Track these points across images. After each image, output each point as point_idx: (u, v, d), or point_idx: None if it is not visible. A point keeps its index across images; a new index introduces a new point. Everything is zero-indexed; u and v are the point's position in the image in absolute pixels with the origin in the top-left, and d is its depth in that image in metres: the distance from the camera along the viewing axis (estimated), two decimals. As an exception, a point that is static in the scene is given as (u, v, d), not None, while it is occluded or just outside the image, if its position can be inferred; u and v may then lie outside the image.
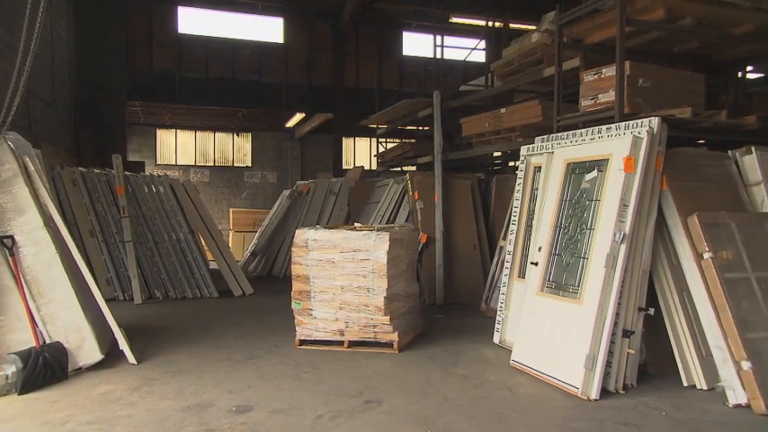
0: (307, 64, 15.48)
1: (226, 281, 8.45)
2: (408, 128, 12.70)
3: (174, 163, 19.11)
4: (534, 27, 7.53)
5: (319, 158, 19.39)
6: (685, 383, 4.36)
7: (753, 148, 4.76)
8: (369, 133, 15.79)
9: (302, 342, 5.46)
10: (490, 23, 10.93)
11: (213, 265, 8.71)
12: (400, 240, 5.62)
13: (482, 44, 11.53)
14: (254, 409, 3.86)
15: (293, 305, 5.48)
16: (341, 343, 5.38)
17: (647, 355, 4.64)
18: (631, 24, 5.10)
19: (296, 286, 5.48)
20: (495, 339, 5.69)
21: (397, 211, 9.22)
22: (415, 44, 16.24)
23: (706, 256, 4.16)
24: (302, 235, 5.49)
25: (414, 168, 11.37)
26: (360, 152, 20.38)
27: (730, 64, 6.31)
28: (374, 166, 13.63)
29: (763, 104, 6.68)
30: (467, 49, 11.24)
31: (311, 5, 14.95)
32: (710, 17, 5.20)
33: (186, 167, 19.16)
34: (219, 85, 14.69)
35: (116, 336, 4.87)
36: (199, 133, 19.56)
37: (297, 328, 5.49)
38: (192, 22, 14.64)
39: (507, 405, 4.03)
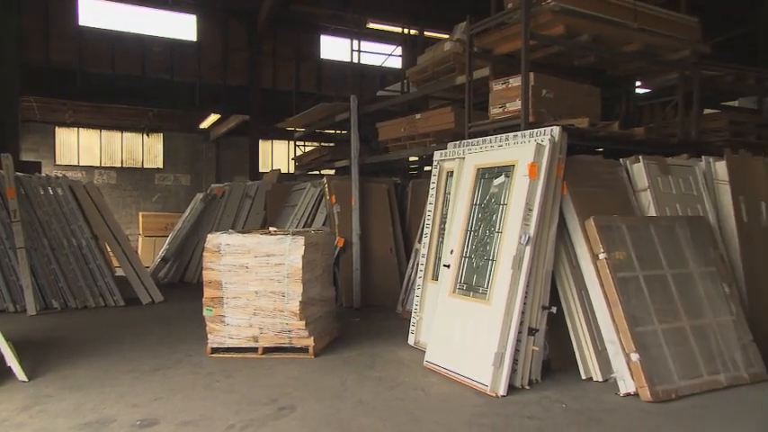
0: (221, 63, 15.09)
1: (133, 288, 8.07)
2: (326, 131, 12.69)
3: (76, 164, 17.95)
4: (448, 36, 7.79)
5: (236, 161, 18.94)
6: (584, 376, 4.65)
7: (641, 157, 5.18)
8: (287, 136, 15.60)
9: (214, 350, 5.32)
10: (406, 31, 11.16)
11: (120, 273, 8.29)
12: (316, 244, 5.62)
13: (398, 50, 11.74)
14: (160, 422, 3.72)
15: (205, 312, 5.33)
16: (255, 350, 5.29)
17: (550, 352, 4.89)
18: (535, 38, 5.39)
19: (208, 292, 5.34)
20: (410, 341, 5.81)
21: (314, 215, 9.19)
22: (334, 48, 16.25)
23: (601, 256, 4.47)
24: (214, 240, 5.36)
25: (332, 172, 11.38)
26: (278, 155, 20.09)
27: (622, 79, 6.82)
28: (292, 170, 13.48)
29: (650, 117, 7.27)
30: (384, 55, 11.41)
31: (225, 3, 14.58)
32: (604, 35, 5.60)
33: (90, 169, 18.06)
34: (127, 83, 13.99)
35: (1, 350, 4.52)
36: (104, 132, 18.51)
37: (209, 336, 5.34)
38: (95, 14, 13.85)
39: (420, 405, 4.13)
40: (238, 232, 5.61)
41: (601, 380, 4.59)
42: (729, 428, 3.71)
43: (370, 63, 12.17)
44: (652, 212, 5.04)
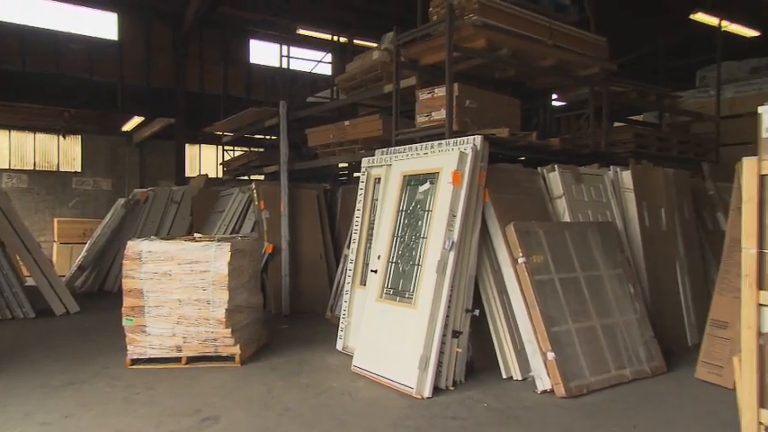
0: (145, 64, 14.48)
1: (46, 299, 7.58)
2: (256, 136, 12.47)
3: (-21, 166, 16.66)
4: (376, 45, 7.87)
5: (161, 165, 18.17)
6: (504, 376, 4.82)
7: (556, 166, 5.44)
8: (216, 141, 15.18)
9: (135, 361, 5.10)
10: (336, 38, 11.17)
11: (32, 282, 7.78)
12: (243, 251, 5.51)
13: (328, 57, 11.73)
14: (73, 439, 3.53)
15: (125, 322, 5.10)
16: (179, 359, 5.11)
17: (473, 353, 5.02)
18: (458, 50, 5.55)
19: (128, 302, 5.11)
20: (339, 346, 5.80)
21: (242, 221, 9.00)
22: (264, 52, 16.00)
23: (520, 260, 4.65)
24: (135, 247, 5.14)
25: (261, 177, 11.19)
26: (206, 160, 19.48)
27: (540, 92, 7.15)
28: (221, 175, 13.11)
29: (566, 129, 7.65)
30: (314, 62, 11.38)
31: (149, 2, 14.02)
32: (522, 50, 5.86)
33: (-4, 171, 16.82)
34: (41, 81, 13.12)
35: None
36: (14, 133, 17.24)
37: (128, 347, 5.11)
38: (4, 7, 12.94)
39: (347, 410, 4.13)
40: (161, 239, 5.42)
41: (520, 378, 4.76)
42: (632, 418, 3.94)
43: (301, 69, 12.09)
44: (567, 218, 5.30)
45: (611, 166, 5.96)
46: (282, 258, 7.79)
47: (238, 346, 5.16)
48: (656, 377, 4.85)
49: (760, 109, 3.61)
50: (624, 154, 6.66)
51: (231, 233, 8.72)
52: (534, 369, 4.57)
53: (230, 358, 5.18)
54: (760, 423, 3.57)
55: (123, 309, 5.10)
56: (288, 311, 7.71)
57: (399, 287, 4.89)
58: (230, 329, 5.09)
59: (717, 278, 4.97)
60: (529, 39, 5.84)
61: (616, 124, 8.55)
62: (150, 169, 18.63)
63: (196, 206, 10.35)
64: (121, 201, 10.85)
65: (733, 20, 10.07)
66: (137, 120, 16.18)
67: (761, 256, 3.57)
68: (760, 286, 3.56)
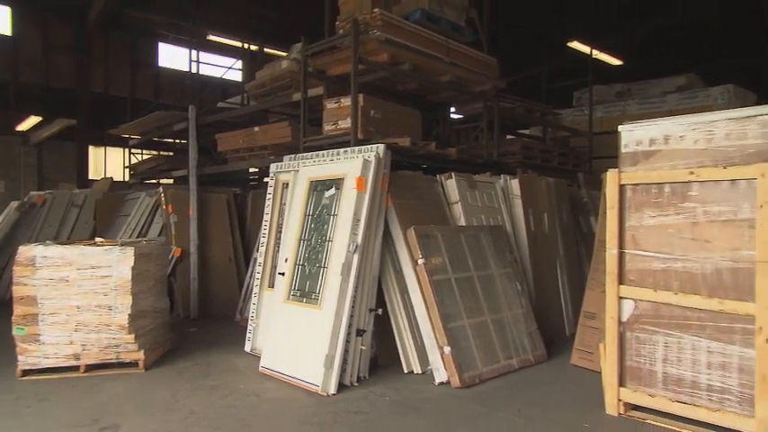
0: (42, 62, 13.34)
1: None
2: (165, 140, 11.87)
3: None
4: (287, 53, 7.77)
5: (61, 168, 16.79)
6: (406, 370, 4.90)
7: (453, 174, 5.64)
8: (123, 143, 14.27)
9: (26, 372, 4.65)
10: (246, 46, 10.89)
11: None
12: (148, 255, 5.22)
13: (239, 64, 11.42)
14: (-47, 458, 3.17)
15: (15, 331, 4.65)
16: (77, 368, 4.73)
17: (377, 349, 5.07)
18: (363, 63, 5.61)
19: (19, 310, 4.66)
20: (247, 348, 5.64)
21: (149, 225, 8.52)
22: (173, 56, 15.28)
23: (420, 262, 4.76)
24: (27, 252, 4.71)
25: (171, 181, 10.65)
26: (112, 163, 18.25)
27: (440, 105, 7.38)
28: (127, 178, 12.34)
29: (465, 139, 7.97)
30: (225, 68, 11.02)
31: (47, -1, 12.97)
32: (422, 66, 6.02)
33: None
34: (-77, 76, 11.76)
35: None
36: None
37: (19, 358, 4.65)
38: None
39: (254, 411, 4.02)
40: (59, 243, 5.00)
41: (420, 372, 4.86)
42: (517, 402, 4.15)
43: (212, 74, 11.66)
44: (462, 222, 5.50)
45: (502, 175, 6.27)
46: (191, 262, 7.46)
47: (142, 351, 4.87)
48: (539, 365, 5.14)
49: (620, 128, 3.95)
50: (513, 164, 7.02)
51: (137, 237, 8.22)
52: (432, 362, 4.69)
53: (133, 364, 4.88)
54: (619, 399, 3.90)
55: (14, 317, 4.65)
56: (196, 315, 7.39)
57: (306, 289, 4.85)
58: (133, 335, 4.79)
59: (588, 275, 5.36)
60: (428, 55, 6.01)
61: (508, 137, 9.03)
62: (49, 171, 17.16)
63: (100, 210, 9.65)
64: (14, 204, 9.90)
65: (602, 50, 10.98)
66: (34, 119, 14.86)
67: (621, 255, 3.90)
68: (620, 281, 3.89)
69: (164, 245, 6.05)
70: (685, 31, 11.65)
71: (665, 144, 3.73)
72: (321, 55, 6.19)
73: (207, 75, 11.98)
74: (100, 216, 9.59)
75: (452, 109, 8.14)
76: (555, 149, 8.13)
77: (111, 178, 12.28)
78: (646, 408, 3.81)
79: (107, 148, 17.77)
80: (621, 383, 3.88)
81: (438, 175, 5.70)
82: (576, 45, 10.75)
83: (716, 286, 3.49)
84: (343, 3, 6.22)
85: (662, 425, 3.69)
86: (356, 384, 4.58)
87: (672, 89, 9.55)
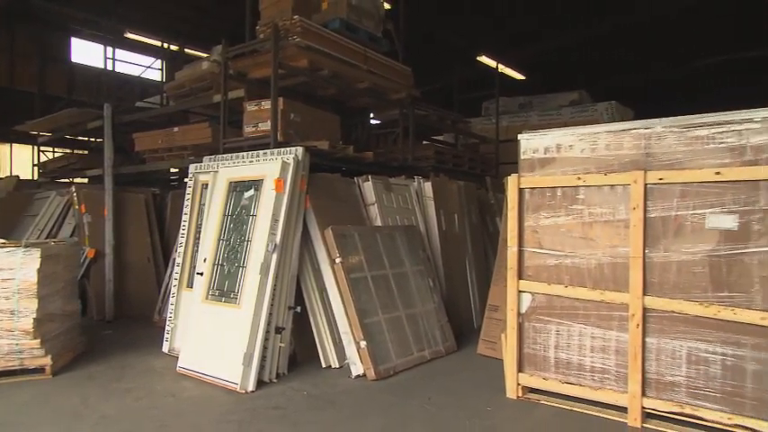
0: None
1: None
2: (80, 138, 11.03)
3: None
4: (208, 54, 7.48)
5: (-41, 165, 15.18)
6: (324, 365, 4.88)
7: (370, 177, 5.69)
8: (32, 141, 13.09)
9: None
10: (166, 45, 10.38)
11: None
12: (56, 256, 4.84)
13: (158, 64, 10.85)
14: None
15: None
16: (-26, 378, 4.31)
17: (296, 346, 5.02)
18: (283, 68, 5.53)
19: None
20: (165, 349, 5.38)
21: (60, 226, 7.89)
22: (89, 52, 14.22)
23: (337, 260, 4.76)
24: None
25: (85, 181, 9.91)
26: (19, 161, 16.71)
27: (359, 111, 7.42)
28: (36, 177, 11.33)
29: (384, 144, 8.05)
30: (143, 67, 10.44)
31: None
32: (341, 72, 6.03)
33: None
34: None
35: None
36: None
37: None
38: None
39: (171, 411, 3.85)
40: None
41: (338, 366, 4.87)
42: (428, 391, 4.26)
43: (131, 73, 10.99)
44: (378, 222, 5.56)
45: (416, 178, 6.40)
46: (106, 263, 7.00)
47: (49, 356, 4.51)
48: (450, 355, 5.30)
49: (519, 137, 4.16)
50: (427, 168, 7.18)
51: (46, 238, 7.59)
52: (349, 357, 4.71)
53: (40, 370, 4.51)
54: (518, 384, 4.10)
55: None
56: (112, 317, 6.94)
57: (225, 288, 4.70)
58: (39, 340, 4.43)
59: (494, 271, 5.60)
60: (347, 63, 6.02)
61: (423, 142, 9.22)
62: (-54, 169, 15.45)
63: (4, 210, 8.81)
64: None
65: (507, 65, 11.54)
66: (-74, 113, 13.30)
67: (520, 252, 4.11)
68: (520, 276, 4.10)
69: (75, 246, 5.63)
70: (578, 51, 12.48)
71: (557, 152, 3.97)
72: (242, 58, 6.03)
73: (125, 73, 11.27)
74: (3, 216, 8.75)
75: (371, 114, 8.20)
76: (465, 155, 8.41)
77: (18, 177, 11.24)
78: (541, 390, 4.05)
79: (13, 144, 16.26)
80: (520, 369, 4.09)
81: (356, 178, 5.72)
82: (484, 59, 11.19)
83: (599, 279, 3.77)
84: (265, 8, 6.10)
85: (554, 404, 3.92)
86: (275, 381, 4.51)
87: (566, 103, 10.20)
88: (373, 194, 5.60)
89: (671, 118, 3.57)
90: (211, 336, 4.59)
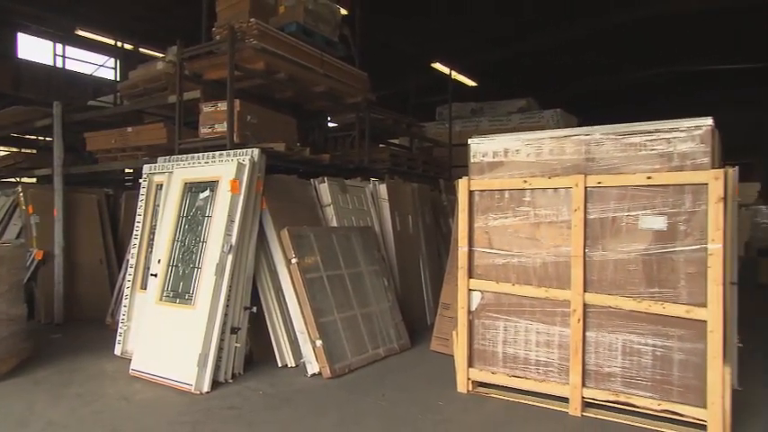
0: None
1: None
2: (27, 137, 10.46)
3: None
4: (163, 54, 7.26)
5: None
6: (280, 364, 4.83)
7: (326, 179, 5.66)
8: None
9: None
10: (120, 44, 10.00)
11: None
12: (0, 258, 4.58)
13: (111, 62, 10.44)
14: None
15: None
16: None
17: (252, 346, 4.94)
18: (240, 70, 5.43)
19: None
20: (117, 351, 5.19)
21: (5, 227, 7.46)
22: (39, 49, 13.50)
23: (293, 261, 4.71)
24: None
25: (33, 180, 9.41)
26: (-40, 159, 15.69)
27: (316, 113, 7.37)
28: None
29: (342, 147, 8.02)
30: (96, 65, 10.02)
31: None
32: (298, 76, 5.97)
33: None
34: None
35: None
36: None
37: None
38: None
39: (122, 415, 3.71)
40: None
41: (294, 365, 4.81)
42: (382, 387, 4.29)
43: (82, 71, 10.53)
44: (334, 223, 5.54)
45: (371, 180, 6.42)
46: (56, 265, 6.68)
47: (-8, 362, 4.27)
48: (404, 352, 5.34)
49: (469, 141, 4.24)
50: (382, 170, 7.21)
51: (-9, 240, 7.17)
52: (305, 356, 4.67)
53: (-19, 377, 4.26)
54: (469, 378, 4.18)
55: None
56: (62, 320, 6.62)
57: (180, 289, 4.58)
58: (-19, 345, 4.18)
59: (446, 270, 5.67)
60: (303, 66, 5.98)
61: (380, 145, 9.25)
62: None
63: (-56, 210, 8.25)
64: None
65: (460, 71, 11.75)
66: None
67: (471, 252, 4.19)
68: (470, 275, 4.18)
69: (21, 247, 5.35)
70: (529, 60, 12.84)
71: (505, 156, 4.07)
72: (198, 59, 5.88)
73: (76, 71, 10.80)
74: (-57, 217, 8.20)
75: (329, 117, 8.17)
76: (420, 158, 8.50)
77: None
78: (490, 384, 4.14)
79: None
80: (470, 364, 4.17)
81: (312, 180, 5.68)
82: (438, 66, 11.35)
83: (543, 277, 3.89)
84: (221, 10, 5.97)
85: (502, 397, 4.02)
86: (230, 381, 4.42)
87: (515, 110, 10.46)
88: (329, 196, 5.58)
89: (608, 126, 3.72)
90: (165, 337, 4.46)
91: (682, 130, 3.44)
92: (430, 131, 10.34)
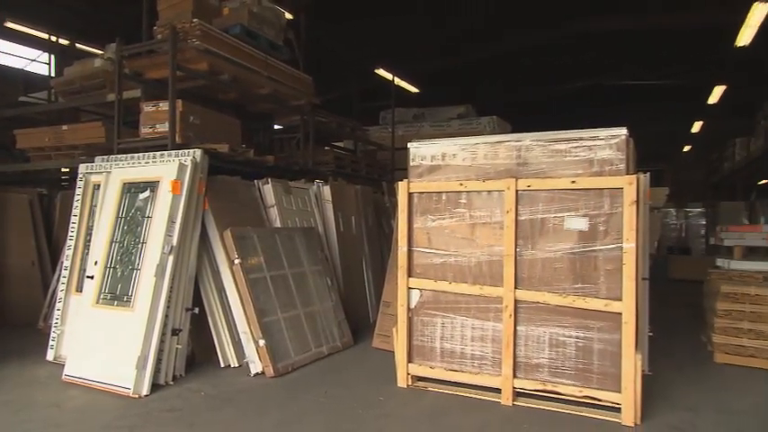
0: None
1: None
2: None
3: None
4: (102, 51, 6.88)
5: None
6: (223, 365, 4.70)
7: (270, 180, 5.56)
8: None
9: None
10: (55, 38, 9.38)
11: None
12: None
13: (44, 57, 9.77)
14: None
15: None
16: None
17: (194, 347, 4.78)
18: (182, 70, 5.24)
19: None
20: (50, 356, 4.87)
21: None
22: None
23: (236, 261, 4.59)
24: None
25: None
26: None
27: (261, 115, 7.23)
28: None
29: (288, 149, 7.90)
30: (27, 59, 9.34)
31: None
32: (242, 78, 5.82)
33: None
34: None
35: None
36: None
37: None
38: None
39: (53, 422, 3.49)
40: None
41: (237, 365, 4.70)
42: (325, 384, 4.26)
43: (12, 65, 9.78)
44: (278, 224, 5.45)
45: (316, 182, 6.36)
46: (-19, 268, 6.18)
47: None
48: (347, 350, 5.34)
49: (409, 145, 4.29)
50: (326, 172, 7.17)
51: None
52: (248, 355, 4.57)
53: None
54: (408, 373, 4.23)
55: None
56: (-13, 326, 6.14)
57: (117, 291, 4.36)
58: None
59: (387, 269, 5.72)
60: (247, 68, 5.84)
61: (326, 147, 9.18)
62: None
63: None
64: None
65: (402, 78, 11.90)
66: None
67: (410, 252, 4.24)
68: (409, 274, 4.23)
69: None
70: (469, 68, 13.16)
71: (442, 160, 4.15)
72: (139, 57, 5.61)
73: (5, 65, 10.04)
74: None
75: (274, 120, 8.02)
76: (363, 161, 8.53)
77: None
78: (429, 378, 4.20)
79: None
80: (410, 360, 4.22)
81: (256, 181, 5.57)
82: (382, 72, 11.41)
83: (478, 275, 3.99)
84: (163, 9, 5.72)
85: (440, 390, 4.10)
86: (171, 383, 4.26)
87: (454, 116, 10.70)
88: (273, 197, 5.48)
89: (538, 133, 3.87)
90: (102, 340, 4.23)
91: (601, 139, 3.63)
92: (374, 135, 10.39)
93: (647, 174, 4.31)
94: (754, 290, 4.90)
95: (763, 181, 14.22)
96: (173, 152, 4.79)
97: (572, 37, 11.33)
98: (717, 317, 5.01)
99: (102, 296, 4.42)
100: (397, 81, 11.08)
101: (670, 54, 12.56)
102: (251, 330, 4.51)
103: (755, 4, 8.39)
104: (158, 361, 4.18)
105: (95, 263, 4.57)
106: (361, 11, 9.81)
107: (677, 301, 8.17)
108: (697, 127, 18.64)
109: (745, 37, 9.43)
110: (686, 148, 21.49)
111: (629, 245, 3.47)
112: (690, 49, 11.99)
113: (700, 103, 15.21)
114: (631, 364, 3.44)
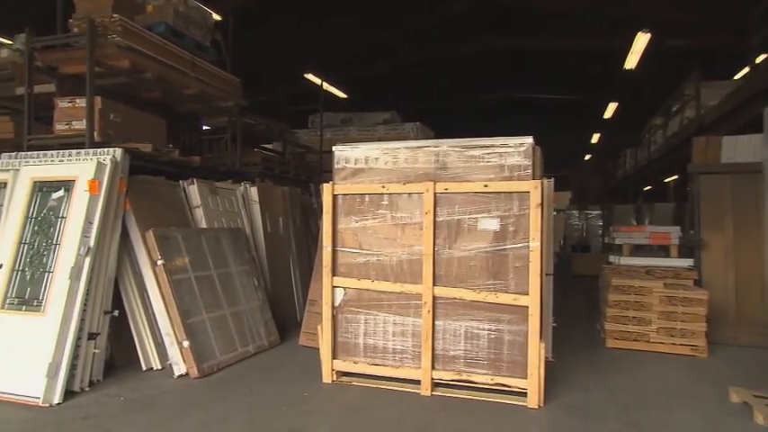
0: None
1: None
2: None
3: None
4: (10, 41, 6.26)
5: None
6: (145, 368, 4.46)
7: (195, 180, 5.34)
8: None
9: None
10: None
11: None
12: None
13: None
14: None
15: None
16: None
17: (114, 351, 4.49)
18: (101, 66, 4.89)
19: None
20: (-54, 368, 4.35)
21: None
22: None
23: (159, 262, 4.37)
24: None
25: None
26: None
27: (187, 116, 6.90)
28: None
29: (216, 149, 7.60)
30: None
31: None
32: (167, 77, 5.52)
33: None
34: None
35: None
36: None
37: None
38: None
39: (-53, 439, 3.13)
40: None
41: (160, 368, 4.48)
42: (250, 383, 4.15)
43: None
44: (204, 225, 5.25)
45: (243, 183, 6.19)
46: None
47: None
48: (273, 348, 5.24)
49: (334, 148, 4.30)
50: (254, 173, 6.98)
51: None
52: (172, 357, 4.36)
53: None
54: (333, 369, 4.24)
55: None
56: None
57: (26, 296, 4.00)
58: None
59: (314, 269, 5.68)
60: (173, 68, 5.55)
61: (255, 149, 8.94)
62: None
63: None
64: None
65: (331, 83, 11.91)
66: None
67: (334, 252, 4.25)
68: (334, 273, 4.24)
69: None
70: (394, 77, 13.39)
71: (365, 164, 4.20)
72: (53, 50, 5.16)
73: None
74: None
75: (202, 120, 7.70)
76: (292, 163, 8.40)
77: None
78: (353, 373, 4.23)
79: None
80: (335, 356, 4.22)
81: (181, 181, 5.32)
82: (311, 77, 11.32)
83: (399, 273, 4.08)
84: (80, 1, 5.31)
85: (363, 384, 4.14)
86: (87, 389, 3.98)
87: (380, 121, 10.83)
88: (198, 198, 5.27)
89: (455, 139, 4.02)
90: (7, 348, 3.85)
91: (510, 146, 3.85)
92: (303, 138, 10.27)
93: (552, 179, 4.61)
94: (638, 282, 5.40)
95: (648, 187, 15.71)
96: (90, 151, 4.47)
97: (484, 53, 11.92)
98: (608, 306, 5.46)
99: (8, 301, 4.03)
100: (326, 86, 11.05)
101: (572, 72, 13.57)
102: (174, 332, 4.31)
103: (638, 33, 9.30)
104: (73, 367, 3.88)
105: (1, 266, 4.15)
106: (291, 11, 9.70)
107: (578, 295, 8.82)
108: (596, 138, 20.27)
109: (631, 61, 10.42)
110: (587, 157, 23.28)
111: (535, 244, 3.70)
112: (588, 69, 13.04)
113: (598, 118, 16.56)
114: (536, 353, 3.67)
